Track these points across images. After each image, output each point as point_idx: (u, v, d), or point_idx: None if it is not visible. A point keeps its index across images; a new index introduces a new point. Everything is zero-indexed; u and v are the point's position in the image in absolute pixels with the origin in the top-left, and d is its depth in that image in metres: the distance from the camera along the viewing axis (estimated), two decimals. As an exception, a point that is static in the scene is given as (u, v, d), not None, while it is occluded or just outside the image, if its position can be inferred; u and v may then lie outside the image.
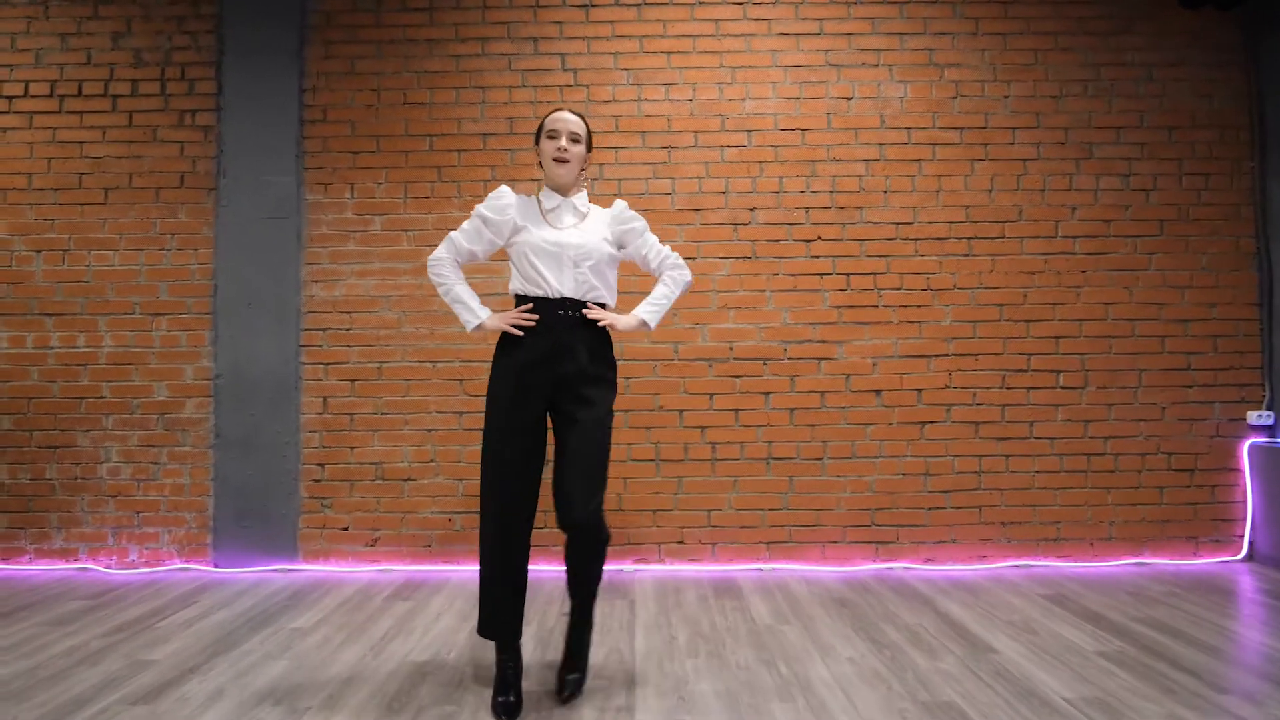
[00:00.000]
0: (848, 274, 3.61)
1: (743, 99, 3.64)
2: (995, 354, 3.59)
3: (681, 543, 3.54)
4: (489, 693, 2.18)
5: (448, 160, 3.64)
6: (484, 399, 3.54)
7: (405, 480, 3.59)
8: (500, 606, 2.13)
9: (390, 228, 3.64)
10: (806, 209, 3.62)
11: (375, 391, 3.61)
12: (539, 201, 2.23)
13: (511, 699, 2.05)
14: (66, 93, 3.68)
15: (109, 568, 3.59)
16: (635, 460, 3.54)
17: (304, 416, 3.61)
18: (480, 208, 2.20)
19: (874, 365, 3.59)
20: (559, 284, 2.12)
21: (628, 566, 3.52)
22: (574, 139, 2.19)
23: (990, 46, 3.67)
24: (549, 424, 2.18)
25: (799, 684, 2.22)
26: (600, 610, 2.93)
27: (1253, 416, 3.54)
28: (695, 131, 3.63)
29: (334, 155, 3.64)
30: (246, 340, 3.60)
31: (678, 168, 3.63)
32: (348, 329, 3.62)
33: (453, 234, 2.23)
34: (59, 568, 3.61)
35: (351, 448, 3.60)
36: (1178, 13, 3.67)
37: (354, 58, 3.65)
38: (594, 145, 3.58)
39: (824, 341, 3.59)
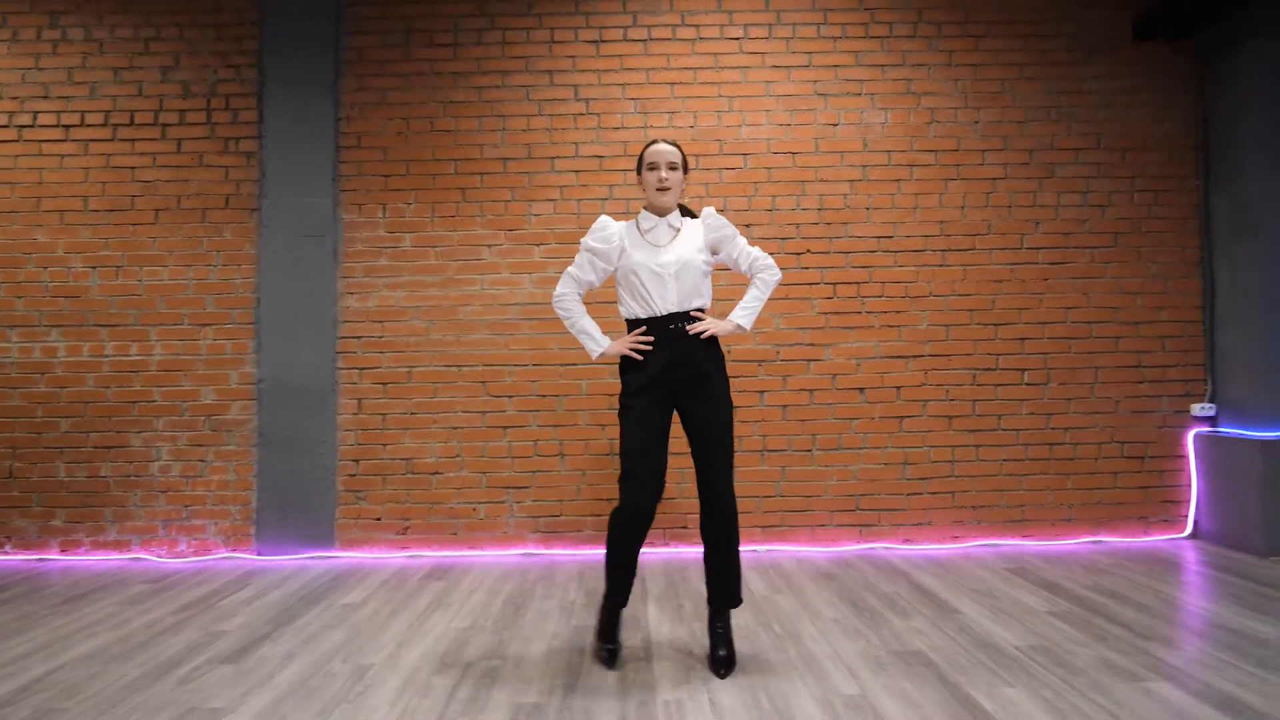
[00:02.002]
0: (834, 283, 3.99)
1: (739, 125, 4.02)
2: (967, 354, 3.98)
3: (685, 528, 3.91)
4: (527, 649, 2.54)
5: (471, 182, 4.00)
6: (502, 399, 3.91)
7: (433, 474, 3.94)
8: (631, 577, 2.41)
9: (419, 244, 3.99)
10: (797, 225, 4.00)
11: (405, 393, 3.96)
12: (638, 224, 2.49)
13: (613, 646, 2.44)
14: (119, 122, 4.02)
15: (160, 557, 3.93)
16: (643, 453, 3.91)
17: (340, 417, 3.95)
18: (586, 240, 2.44)
19: (858, 365, 3.97)
20: (664, 301, 2.36)
21: (637, 550, 3.88)
22: (671, 167, 2.41)
23: (962, 76, 4.05)
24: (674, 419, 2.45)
25: (791, 639, 2.60)
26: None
27: (1196, 409, 3.94)
28: (696, 155, 4.00)
29: (367, 178, 4.00)
30: (287, 348, 3.95)
31: (679, 188, 4.00)
32: (380, 336, 3.97)
33: (569, 270, 2.49)
34: (113, 558, 3.94)
35: (384, 445, 3.95)
36: (1132, 45, 4.06)
37: (385, 89, 4.01)
38: (609, 168, 3.98)
39: (813, 344, 3.97)
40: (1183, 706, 2.05)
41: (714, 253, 2.48)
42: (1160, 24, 3.96)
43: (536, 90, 4.02)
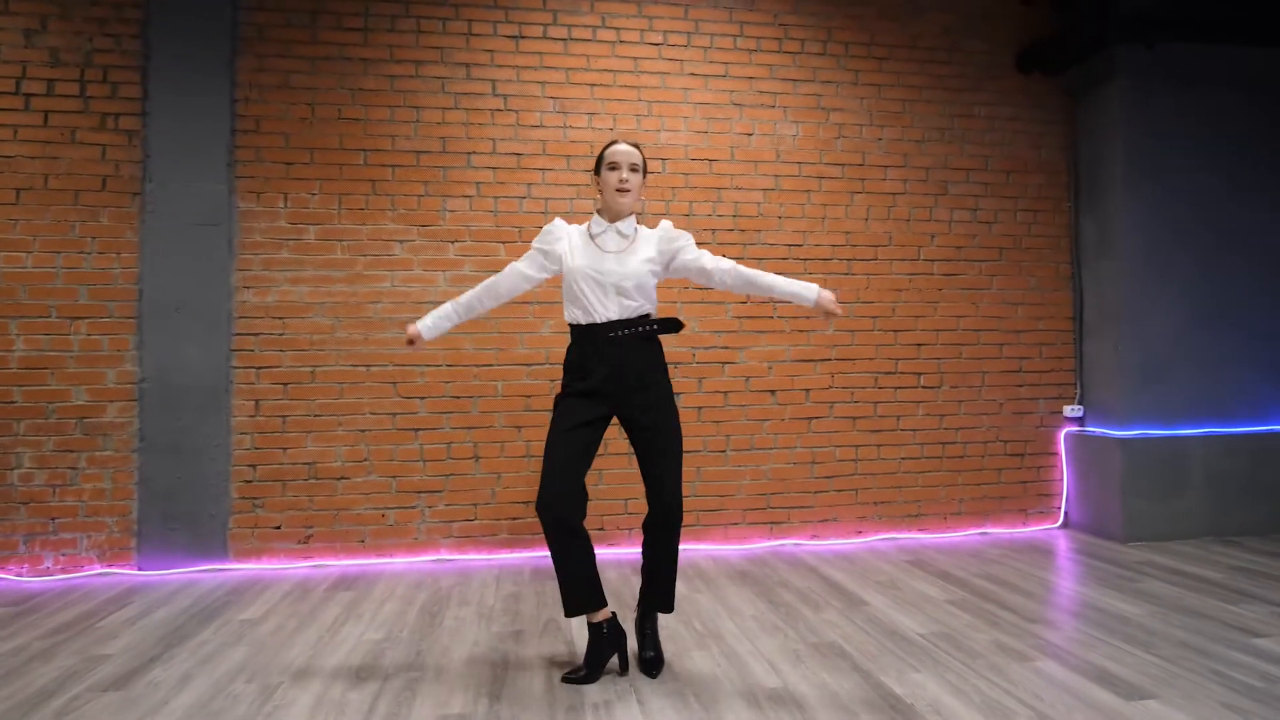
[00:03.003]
0: (748, 288, 4.10)
1: (658, 130, 4.06)
2: (869, 359, 4.20)
3: (601, 529, 3.91)
4: (447, 658, 2.47)
5: (382, 174, 3.84)
6: (414, 400, 3.79)
7: (338, 479, 3.75)
8: (581, 584, 2.31)
9: (324, 237, 3.79)
10: (713, 230, 4.09)
11: (308, 394, 3.75)
12: (589, 228, 2.42)
13: (584, 673, 2.31)
14: (-28, 89, 3.58)
15: (21, 576, 3.54)
16: (560, 455, 3.88)
17: (235, 419, 3.70)
18: (535, 242, 2.43)
19: (769, 368, 4.11)
20: (603, 309, 2.31)
21: (554, 552, 3.85)
22: (633, 169, 2.37)
23: (868, 95, 4.27)
24: (611, 425, 2.40)
25: (712, 636, 2.66)
26: (532, 589, 3.27)
27: (1068, 410, 4.34)
28: (615, 158, 4.01)
29: (267, 165, 3.75)
30: (174, 344, 3.65)
31: (599, 190, 4.00)
32: (280, 334, 3.74)
33: (514, 262, 2.46)
34: (-38, 578, 3.52)
35: (284, 449, 3.73)
36: (1016, 76, 4.41)
37: (288, 71, 3.78)
38: (527, 166, 3.92)
39: (727, 348, 4.07)
40: (1067, 682, 2.26)
41: (667, 265, 2.43)
42: (1038, 59, 4.33)
43: (453, 83, 3.91)
